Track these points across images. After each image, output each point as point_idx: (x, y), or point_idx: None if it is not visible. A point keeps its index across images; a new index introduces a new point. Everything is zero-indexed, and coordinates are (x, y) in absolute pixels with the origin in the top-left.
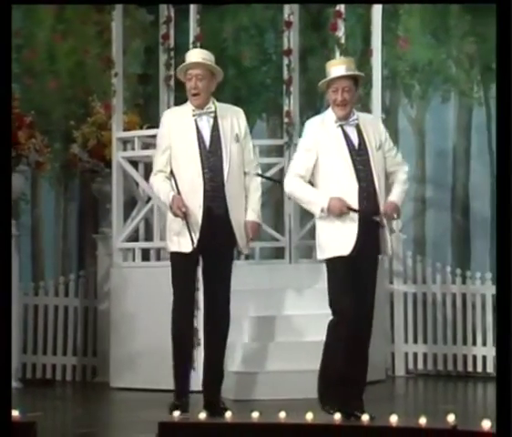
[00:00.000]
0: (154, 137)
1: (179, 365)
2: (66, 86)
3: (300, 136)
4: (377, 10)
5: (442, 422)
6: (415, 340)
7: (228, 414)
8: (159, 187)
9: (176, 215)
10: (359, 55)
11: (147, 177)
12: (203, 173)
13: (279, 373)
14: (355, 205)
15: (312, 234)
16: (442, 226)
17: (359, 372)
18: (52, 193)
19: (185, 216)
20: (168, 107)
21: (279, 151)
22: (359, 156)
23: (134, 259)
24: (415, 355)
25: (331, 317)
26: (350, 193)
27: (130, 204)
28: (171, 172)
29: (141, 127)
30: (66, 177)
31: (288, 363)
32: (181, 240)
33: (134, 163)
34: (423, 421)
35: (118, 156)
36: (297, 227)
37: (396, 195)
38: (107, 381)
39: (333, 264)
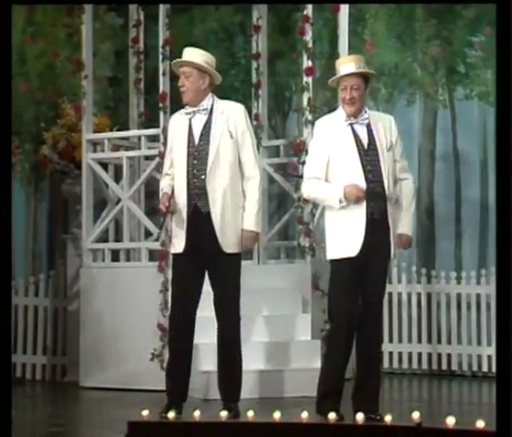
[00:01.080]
0: (124, 139)
1: (172, 366)
2: (37, 88)
3: (268, 138)
4: (344, 14)
5: (408, 420)
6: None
7: (196, 413)
8: (162, 187)
9: (161, 210)
10: (326, 58)
11: (116, 178)
12: (187, 171)
13: (246, 373)
14: (362, 203)
15: (280, 235)
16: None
17: (371, 375)
18: (22, 194)
19: (166, 212)
20: (138, 110)
21: None
22: (368, 155)
23: (104, 260)
24: (381, 354)
25: (302, 318)
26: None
27: (100, 205)
28: None
29: (111, 130)
30: (36, 178)
31: (255, 363)
32: (174, 241)
33: (104, 165)
34: (388, 418)
35: (88, 157)
36: (265, 228)
37: (408, 225)
38: (77, 381)
39: (339, 265)
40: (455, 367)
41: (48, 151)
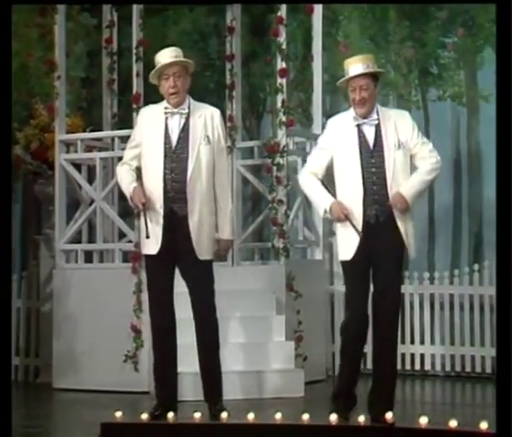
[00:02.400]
0: (97, 140)
1: (158, 369)
2: None
3: (242, 139)
4: (317, 16)
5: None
6: None
7: (170, 415)
8: (123, 176)
9: (136, 206)
10: (300, 60)
11: (89, 179)
12: (164, 173)
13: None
14: (359, 207)
15: (254, 236)
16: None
17: (382, 376)
18: None
19: (143, 208)
20: (111, 111)
21: None
22: (373, 157)
23: (77, 261)
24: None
25: (276, 320)
26: (355, 196)
27: (73, 206)
28: (138, 169)
29: (84, 130)
30: None
31: (229, 365)
32: (148, 243)
33: (77, 165)
34: (361, 418)
35: (61, 158)
36: (239, 230)
37: (406, 186)
38: (50, 382)
39: (343, 266)
40: (427, 367)
41: (21, 151)
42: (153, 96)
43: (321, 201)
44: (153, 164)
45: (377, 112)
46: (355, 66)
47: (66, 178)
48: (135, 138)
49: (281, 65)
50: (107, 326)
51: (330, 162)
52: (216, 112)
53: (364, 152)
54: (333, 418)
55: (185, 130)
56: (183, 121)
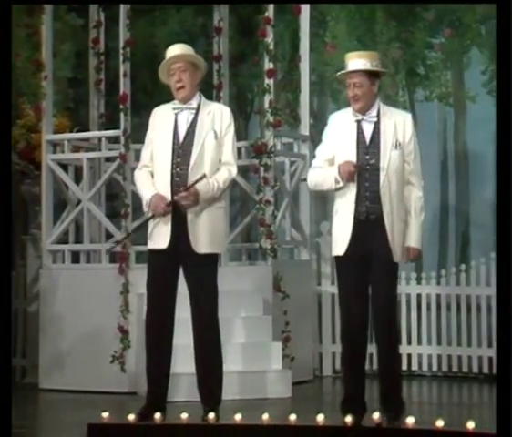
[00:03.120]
0: (84, 140)
1: (151, 368)
2: None
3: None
4: (305, 16)
5: (367, 421)
6: (334, 341)
7: (157, 416)
8: (143, 181)
9: (157, 214)
10: (288, 60)
11: (76, 179)
12: (172, 169)
13: None
14: (351, 203)
15: (242, 237)
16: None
17: (384, 377)
18: None
19: (163, 212)
20: (98, 111)
21: None
22: (368, 154)
23: (64, 261)
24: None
25: (264, 320)
26: (349, 191)
27: (60, 206)
28: None
29: (71, 130)
30: None
31: None
32: (156, 238)
33: (64, 166)
34: (348, 419)
35: (48, 158)
36: (227, 230)
37: (415, 237)
38: (37, 383)
39: (337, 264)
40: (414, 367)
41: None
42: (140, 96)
43: (329, 174)
44: (162, 160)
45: (378, 110)
46: (353, 61)
47: (52, 179)
48: (148, 138)
49: (268, 65)
50: (94, 326)
51: (333, 155)
52: (226, 109)
53: (361, 148)
54: (320, 418)
55: (193, 126)
56: (192, 117)
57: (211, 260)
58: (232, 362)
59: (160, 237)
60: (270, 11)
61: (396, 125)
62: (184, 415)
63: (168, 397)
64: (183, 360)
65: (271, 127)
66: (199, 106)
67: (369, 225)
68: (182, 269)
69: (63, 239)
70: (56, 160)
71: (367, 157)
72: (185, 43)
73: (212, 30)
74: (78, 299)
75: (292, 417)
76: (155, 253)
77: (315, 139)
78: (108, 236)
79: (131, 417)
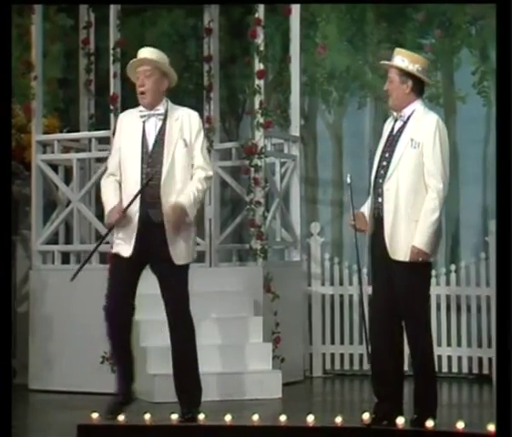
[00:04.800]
0: (74, 140)
1: (116, 365)
2: None
3: (222, 141)
4: (295, 17)
5: (357, 421)
6: (333, 341)
7: (146, 416)
8: (107, 193)
9: (110, 224)
10: (278, 61)
11: (66, 180)
12: (141, 178)
13: None
14: (370, 199)
15: (232, 238)
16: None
17: (416, 377)
18: None
19: (116, 222)
20: (88, 112)
21: None
22: (387, 152)
23: (53, 262)
24: (333, 356)
25: (254, 321)
26: (372, 190)
27: (50, 207)
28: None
29: (61, 131)
30: None
31: (206, 366)
32: (120, 245)
33: (54, 166)
34: (339, 419)
35: (38, 158)
36: (217, 231)
37: (418, 237)
38: (26, 383)
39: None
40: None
41: None
42: (130, 97)
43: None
44: (131, 169)
45: (413, 111)
46: (393, 57)
47: (42, 179)
48: (115, 145)
49: (258, 66)
50: (84, 327)
51: None
52: (194, 114)
53: (385, 145)
54: (310, 418)
55: (161, 133)
56: (160, 124)
57: (187, 269)
58: (222, 363)
59: (125, 244)
60: (260, 12)
61: (419, 126)
62: (174, 416)
63: (158, 398)
64: (167, 362)
65: (261, 128)
66: (166, 112)
67: (379, 221)
68: (156, 276)
69: (53, 240)
70: (45, 161)
71: (386, 154)
72: (175, 43)
73: (203, 31)
74: (68, 299)
75: (283, 418)
76: (117, 257)
77: (306, 140)
78: (98, 236)
79: (121, 418)
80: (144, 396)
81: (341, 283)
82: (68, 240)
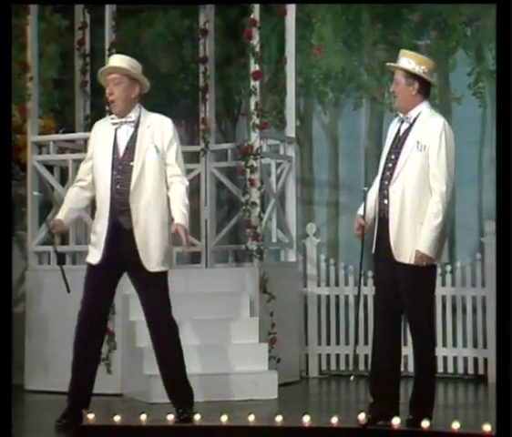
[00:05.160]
0: (69, 141)
1: (74, 372)
2: None
3: (218, 142)
4: (291, 18)
5: (353, 421)
6: (329, 342)
7: (142, 417)
8: (65, 202)
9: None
10: (274, 62)
11: (62, 181)
12: (111, 186)
13: (193, 377)
14: (376, 201)
15: (228, 239)
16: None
17: (415, 378)
18: None
19: (52, 235)
20: (84, 112)
21: (196, 157)
22: (393, 153)
23: (49, 263)
24: (329, 356)
25: (250, 321)
26: (377, 190)
27: (46, 207)
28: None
29: (57, 132)
30: None
31: (203, 367)
32: (92, 252)
33: (49, 167)
34: (335, 420)
35: (34, 159)
36: (213, 232)
37: (422, 241)
38: (22, 384)
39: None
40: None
41: None
42: None
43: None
44: (102, 176)
45: (419, 113)
46: (399, 58)
47: (38, 180)
48: (88, 152)
49: (254, 67)
50: None
51: None
52: (166, 121)
53: (391, 147)
54: (306, 419)
55: (132, 140)
56: (131, 131)
57: (163, 276)
58: (219, 364)
59: (95, 251)
60: (255, 13)
61: (425, 129)
62: (170, 416)
63: (155, 398)
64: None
65: (257, 129)
66: (138, 119)
67: (385, 223)
68: (133, 286)
69: (48, 241)
70: (41, 161)
71: (392, 156)
72: (170, 44)
73: (198, 32)
74: (64, 300)
75: (279, 418)
76: (90, 265)
77: (301, 141)
78: None
79: (117, 418)
80: (140, 396)
81: (336, 284)
82: (64, 241)
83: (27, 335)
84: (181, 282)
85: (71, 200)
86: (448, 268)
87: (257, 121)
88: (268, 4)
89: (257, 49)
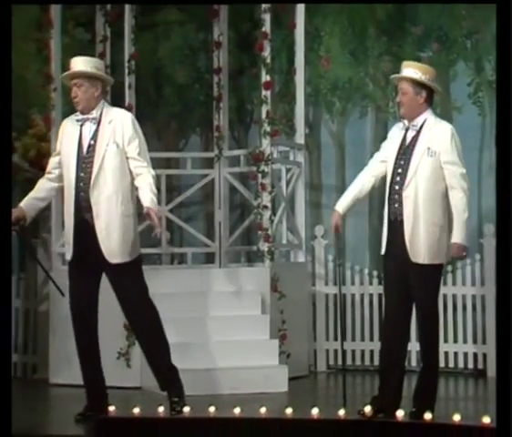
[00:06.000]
0: None
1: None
2: None
3: (231, 148)
4: (300, 32)
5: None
6: (336, 338)
7: (160, 409)
8: (32, 192)
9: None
10: (284, 73)
11: None
12: (76, 183)
13: (208, 371)
14: (386, 205)
15: (241, 240)
16: (360, 232)
17: (421, 370)
18: None
19: (16, 228)
20: None
21: (210, 163)
22: (402, 159)
23: None
24: (336, 351)
25: (261, 318)
26: (386, 193)
27: None
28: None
29: None
30: None
31: (216, 361)
32: (66, 249)
33: None
34: (342, 412)
35: None
36: (226, 234)
37: (458, 234)
38: (47, 378)
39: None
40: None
41: (19, 160)
42: (145, 107)
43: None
44: (67, 174)
45: (424, 120)
46: (404, 69)
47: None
48: (56, 148)
49: (265, 78)
50: (101, 325)
51: (386, 159)
52: (127, 115)
53: (399, 153)
54: (315, 411)
55: (94, 137)
56: (94, 128)
57: (130, 268)
58: (232, 358)
59: (67, 249)
60: (267, 26)
61: (435, 135)
62: (186, 409)
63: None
64: (180, 358)
65: (268, 137)
66: (100, 116)
67: (398, 226)
68: (106, 277)
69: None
70: None
71: (401, 161)
72: (186, 56)
73: (212, 44)
74: None
75: (289, 410)
76: (69, 263)
77: (310, 148)
78: None
79: (136, 411)
80: (158, 389)
81: (343, 283)
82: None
83: (51, 332)
84: (197, 281)
85: (35, 190)
86: (449, 268)
87: (268, 129)
88: (277, 3)
89: (268, 61)
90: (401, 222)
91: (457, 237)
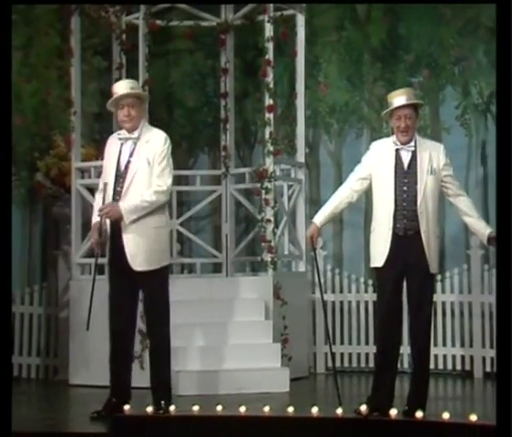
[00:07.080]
0: None
1: (113, 367)
2: (31, 122)
3: (237, 167)
4: (301, 59)
5: (356, 413)
6: (334, 342)
7: (171, 408)
8: (94, 208)
9: (92, 245)
10: (286, 97)
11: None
12: (113, 195)
13: (215, 372)
14: (390, 219)
15: (246, 251)
16: (356, 243)
17: (414, 373)
18: (19, 215)
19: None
20: None
21: (218, 180)
22: (406, 177)
23: (90, 273)
24: (334, 355)
25: (265, 324)
26: (387, 209)
27: (88, 225)
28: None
29: (97, 159)
30: (31, 201)
31: (223, 363)
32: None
33: (90, 189)
34: (339, 411)
35: (77, 183)
36: (232, 245)
37: (488, 228)
38: (67, 379)
39: (375, 273)
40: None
41: (42, 178)
42: (157, 128)
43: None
44: (108, 189)
45: (415, 141)
46: (400, 97)
47: (81, 201)
48: (104, 164)
49: (268, 101)
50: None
51: (368, 177)
52: (161, 135)
53: (399, 172)
54: (315, 410)
55: (132, 155)
56: (133, 147)
57: (156, 276)
58: (237, 361)
59: (108, 251)
60: (270, 54)
61: (431, 154)
62: (195, 407)
63: (182, 391)
64: (190, 360)
65: (271, 156)
66: (140, 135)
67: (406, 240)
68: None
69: (90, 254)
70: (83, 185)
71: (405, 180)
72: (196, 81)
73: (220, 71)
74: (103, 306)
75: (290, 409)
76: (108, 267)
77: (310, 166)
78: None
79: (149, 409)
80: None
81: (341, 291)
82: (103, 254)
83: (71, 337)
84: (205, 289)
85: (98, 206)
86: (439, 277)
87: (271, 148)
88: (280, 3)
89: (271, 86)
90: (412, 236)
91: (489, 229)
